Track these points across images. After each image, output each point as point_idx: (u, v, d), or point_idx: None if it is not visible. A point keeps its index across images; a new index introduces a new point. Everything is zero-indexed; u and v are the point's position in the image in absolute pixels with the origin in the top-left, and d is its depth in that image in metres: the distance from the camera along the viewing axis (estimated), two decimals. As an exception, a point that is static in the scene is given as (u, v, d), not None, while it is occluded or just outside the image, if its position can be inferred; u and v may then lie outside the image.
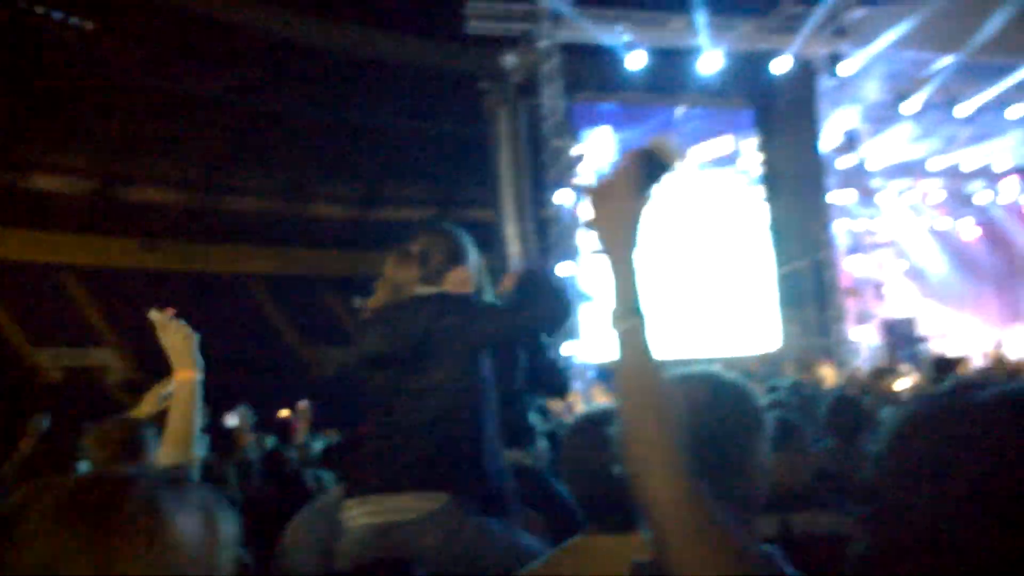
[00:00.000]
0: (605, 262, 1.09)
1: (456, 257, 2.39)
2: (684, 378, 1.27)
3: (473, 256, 2.44)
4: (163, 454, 2.03)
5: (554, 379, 3.15)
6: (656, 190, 1.12)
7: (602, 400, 9.60)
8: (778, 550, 1.13)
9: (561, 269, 11.16)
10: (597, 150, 12.17)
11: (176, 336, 2.10)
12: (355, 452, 2.87)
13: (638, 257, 1.09)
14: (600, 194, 1.10)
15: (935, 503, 0.74)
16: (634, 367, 1.03)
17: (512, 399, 2.64)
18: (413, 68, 12.98)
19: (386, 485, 2.15)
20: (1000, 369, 9.34)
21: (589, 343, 11.15)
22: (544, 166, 11.60)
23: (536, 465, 2.81)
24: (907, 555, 0.76)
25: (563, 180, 11.45)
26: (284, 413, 7.68)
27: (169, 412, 2.08)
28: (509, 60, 11.84)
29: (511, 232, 11.98)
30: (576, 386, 10.90)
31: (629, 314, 1.05)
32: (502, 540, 2.12)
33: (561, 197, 11.40)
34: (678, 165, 1.10)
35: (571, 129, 11.71)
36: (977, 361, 10.50)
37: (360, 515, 2.16)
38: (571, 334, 11.09)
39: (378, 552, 2.05)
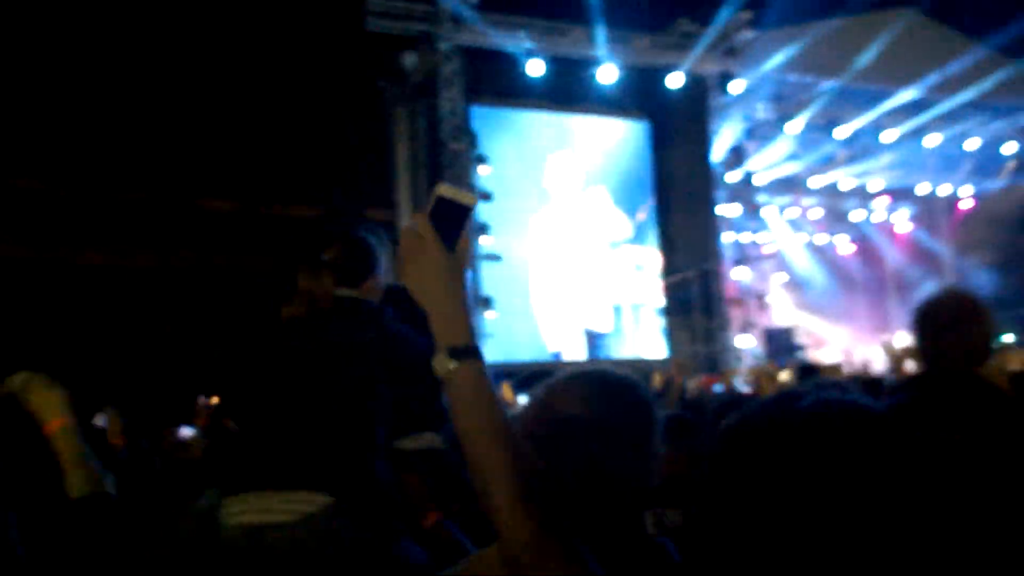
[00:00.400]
0: (430, 315, 1.07)
1: (370, 267, 2.39)
2: (577, 375, 1.29)
3: (384, 260, 2.45)
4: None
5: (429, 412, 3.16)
6: (463, 234, 1.10)
7: (507, 397, 9.66)
8: (670, 542, 1.17)
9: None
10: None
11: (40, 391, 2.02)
12: (237, 449, 2.81)
13: (463, 302, 1.07)
14: (406, 257, 1.08)
15: (739, 513, 0.76)
16: (471, 408, 1.03)
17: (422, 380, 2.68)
18: (312, 63, 12.64)
19: (266, 483, 2.10)
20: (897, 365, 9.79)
21: (488, 343, 11.17)
22: (441, 168, 11.54)
23: (448, 448, 2.83)
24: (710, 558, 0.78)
25: (460, 182, 11.43)
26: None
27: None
28: (408, 60, 11.74)
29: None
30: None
31: (460, 356, 1.03)
32: (380, 549, 2.09)
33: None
34: (472, 203, 1.09)
35: (470, 132, 11.69)
36: (848, 367, 11.14)
37: (235, 513, 2.10)
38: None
39: (247, 553, 1.99)
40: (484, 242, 11.45)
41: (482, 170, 11.54)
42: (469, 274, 1.12)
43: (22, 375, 2.04)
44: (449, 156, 11.50)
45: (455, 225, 1.08)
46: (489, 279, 11.58)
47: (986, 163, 16.27)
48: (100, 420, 5.16)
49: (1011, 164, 16.25)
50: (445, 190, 1.08)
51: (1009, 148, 15.58)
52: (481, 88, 12.29)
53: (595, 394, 1.23)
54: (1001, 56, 14.29)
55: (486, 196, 11.57)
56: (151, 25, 12.29)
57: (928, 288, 17.59)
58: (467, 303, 1.08)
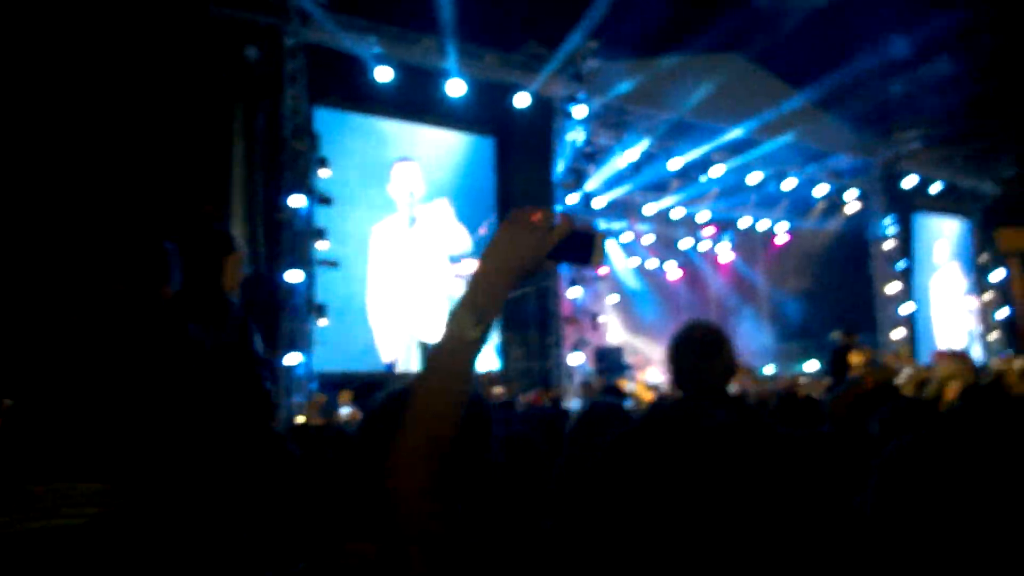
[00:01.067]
0: (485, 276, 1.08)
1: (159, 273, 2.32)
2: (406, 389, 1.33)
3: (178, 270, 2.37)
4: None
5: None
6: (552, 263, 1.12)
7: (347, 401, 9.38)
8: None
9: (291, 276, 10.78)
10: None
11: None
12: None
13: (511, 289, 1.10)
14: (522, 223, 1.09)
15: None
16: (458, 371, 1.06)
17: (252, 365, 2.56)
18: (152, 49, 11.84)
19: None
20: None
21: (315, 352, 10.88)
22: (282, 167, 11.14)
23: (279, 430, 2.72)
24: None
25: (300, 184, 11.08)
26: None
27: None
28: (252, 52, 11.25)
29: (238, 233, 11.32)
30: (297, 397, 10.56)
31: (481, 326, 1.06)
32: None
33: (296, 201, 11.01)
34: (595, 265, 1.11)
35: (312, 133, 11.36)
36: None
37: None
38: (296, 343, 10.74)
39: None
40: (320, 247, 11.14)
41: (323, 173, 11.23)
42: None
43: None
44: (289, 155, 11.12)
45: (568, 252, 1.10)
46: (325, 285, 11.28)
47: (800, 203, 17.76)
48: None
49: (821, 205, 17.82)
50: (599, 237, 1.12)
51: (820, 190, 17.09)
52: (327, 89, 11.98)
53: None
54: (815, 107, 15.69)
55: (326, 200, 11.28)
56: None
57: (746, 314, 18.98)
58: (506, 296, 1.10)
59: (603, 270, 15.68)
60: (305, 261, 11.06)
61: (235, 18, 10.86)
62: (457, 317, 1.06)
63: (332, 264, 11.36)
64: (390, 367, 11.93)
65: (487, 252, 1.10)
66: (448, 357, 1.07)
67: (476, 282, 1.08)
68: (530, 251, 1.08)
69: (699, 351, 2.30)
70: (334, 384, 10.29)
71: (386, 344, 12.07)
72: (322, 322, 10.97)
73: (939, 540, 1.13)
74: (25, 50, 11.52)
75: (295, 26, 10.94)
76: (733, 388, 2.79)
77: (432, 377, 1.06)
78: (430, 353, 1.10)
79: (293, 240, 10.97)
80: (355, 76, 11.79)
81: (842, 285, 17.43)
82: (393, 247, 12.32)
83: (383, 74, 11.49)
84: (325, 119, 11.83)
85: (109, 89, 11.64)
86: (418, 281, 12.46)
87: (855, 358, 6.03)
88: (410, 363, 12.16)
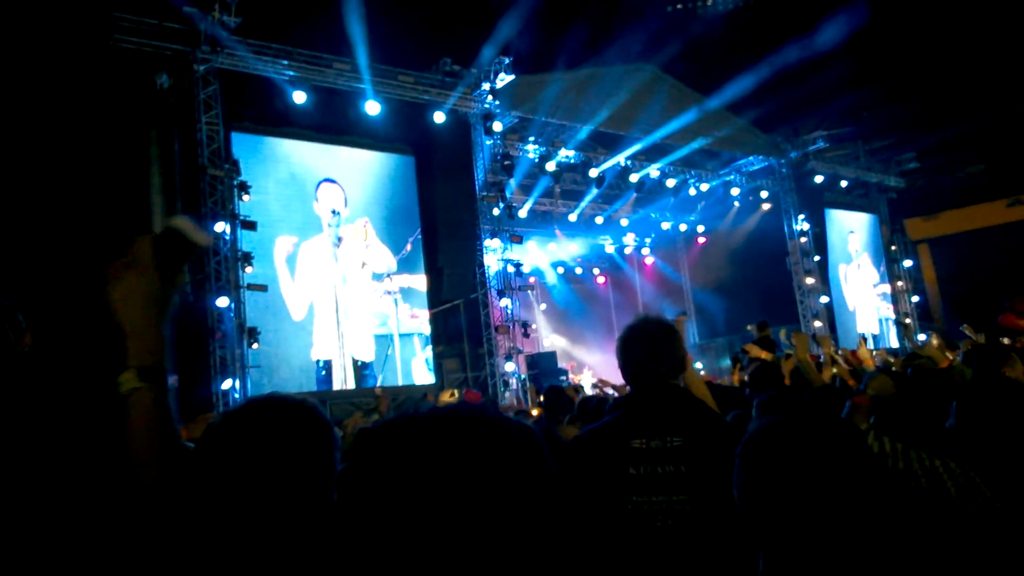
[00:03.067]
0: (127, 333, 1.11)
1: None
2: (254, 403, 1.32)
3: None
4: None
5: None
6: (181, 267, 1.15)
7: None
8: None
9: (219, 302, 10.74)
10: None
11: None
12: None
13: (160, 327, 1.12)
14: (118, 272, 1.12)
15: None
16: (149, 424, 1.09)
17: None
18: (60, 81, 11.67)
19: None
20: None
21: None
22: (202, 194, 11.10)
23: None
24: None
25: (221, 210, 11.06)
26: None
27: None
28: (162, 79, 11.21)
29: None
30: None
31: (148, 377, 1.09)
32: None
33: (220, 227, 10.99)
34: (203, 244, 1.15)
35: (231, 158, 11.36)
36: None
37: None
38: (229, 369, 10.70)
39: None
40: (248, 271, 11.13)
41: (245, 198, 11.23)
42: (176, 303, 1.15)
43: None
44: (208, 182, 11.10)
45: (179, 257, 1.13)
46: (255, 309, 11.26)
47: (717, 204, 18.41)
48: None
49: (736, 205, 18.51)
50: (181, 223, 1.13)
51: (735, 191, 17.76)
52: (243, 114, 12.00)
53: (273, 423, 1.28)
54: (727, 111, 16.33)
55: (249, 225, 11.28)
56: None
57: (671, 314, 19.48)
58: (165, 330, 1.13)
59: (531, 279, 15.98)
60: (233, 286, 11.04)
61: (143, 47, 10.82)
62: (122, 380, 1.10)
63: (261, 288, 11.34)
64: (325, 387, 11.96)
65: (118, 314, 1.12)
66: (134, 417, 1.10)
67: (129, 342, 1.11)
68: (142, 282, 1.12)
69: (648, 345, 2.28)
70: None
71: (318, 363, 12.10)
72: (256, 346, 10.96)
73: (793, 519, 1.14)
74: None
75: (205, 52, 10.95)
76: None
77: (132, 437, 1.10)
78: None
79: (219, 266, 10.95)
80: (271, 100, 11.85)
81: (763, 281, 18.08)
82: (319, 267, 12.37)
83: (299, 97, 11.58)
84: (244, 143, 11.83)
85: (20, 126, 11.43)
86: (345, 300, 12.53)
87: (753, 351, 6.34)
88: (345, 381, 12.22)
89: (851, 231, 19.91)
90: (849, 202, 19.97)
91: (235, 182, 11.27)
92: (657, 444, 2.12)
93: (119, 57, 11.24)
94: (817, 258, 18.12)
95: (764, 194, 18.03)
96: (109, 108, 12.49)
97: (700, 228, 19.04)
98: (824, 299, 17.91)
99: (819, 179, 18.06)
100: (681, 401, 2.25)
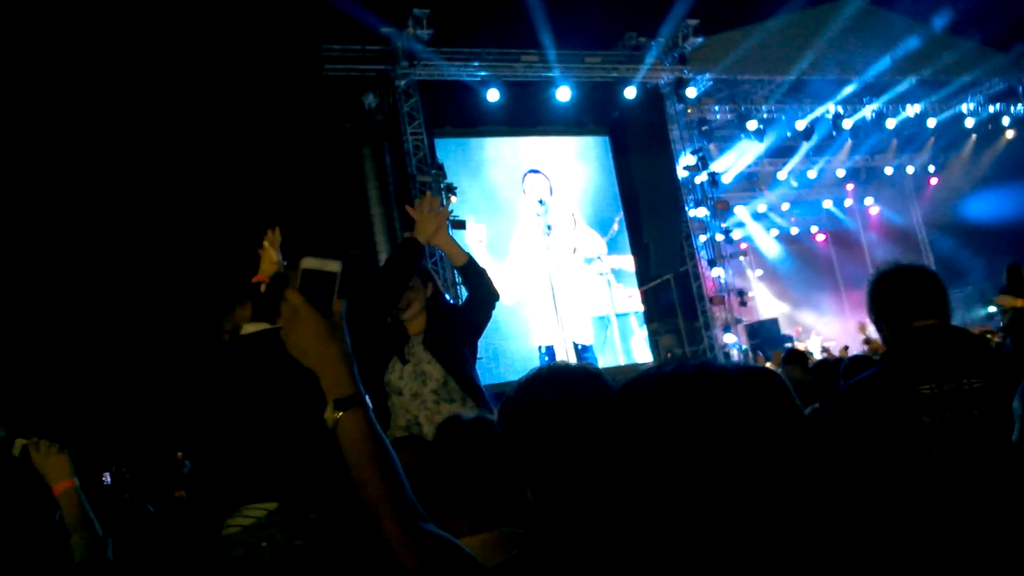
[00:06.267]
0: (318, 374, 1.21)
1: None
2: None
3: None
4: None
5: None
6: (335, 298, 1.23)
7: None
8: None
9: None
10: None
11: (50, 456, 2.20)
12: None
13: (343, 357, 1.20)
14: (287, 328, 1.22)
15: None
16: (359, 448, 1.17)
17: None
18: (277, 114, 12.93)
19: (244, 495, 2.30)
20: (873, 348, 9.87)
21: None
22: (414, 200, 11.78)
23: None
24: None
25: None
26: None
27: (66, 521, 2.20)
28: (369, 100, 12.03)
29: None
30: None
31: (345, 406, 1.18)
32: (315, 558, 2.22)
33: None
34: (336, 270, 1.22)
35: (436, 164, 11.96)
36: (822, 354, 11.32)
37: (224, 527, 2.31)
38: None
39: (222, 563, 2.19)
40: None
41: (453, 199, 11.78)
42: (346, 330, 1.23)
43: (34, 439, 2.25)
44: (419, 189, 11.75)
45: (326, 291, 1.21)
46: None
47: (947, 139, 16.57)
48: (106, 477, 5.36)
49: (973, 137, 16.56)
50: (308, 263, 1.21)
51: (969, 122, 15.91)
52: (443, 119, 12.58)
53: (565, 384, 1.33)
54: (950, 35, 14.64)
55: (459, 225, 11.81)
56: (132, 91, 12.53)
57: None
58: (348, 357, 1.21)
59: (743, 245, 15.33)
60: (450, 284, 11.64)
61: (350, 72, 11.67)
62: (326, 416, 1.17)
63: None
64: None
65: (299, 359, 1.21)
66: (347, 445, 1.17)
67: (321, 379, 1.19)
68: (309, 325, 1.19)
69: (921, 284, 2.06)
70: (495, 396, 10.70)
71: (540, 350, 12.42)
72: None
73: None
74: (178, 129, 12.85)
75: (404, 68, 11.57)
76: None
77: (351, 463, 1.17)
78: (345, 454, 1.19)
79: (435, 266, 11.58)
80: (467, 102, 12.32)
81: (1013, 218, 16.03)
82: (531, 256, 12.68)
83: (492, 95, 11.93)
84: (446, 147, 12.42)
85: (250, 159, 12.79)
86: (560, 285, 12.75)
87: (1007, 302, 5.53)
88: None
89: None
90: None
91: (442, 185, 11.85)
92: (951, 387, 1.93)
93: (329, 85, 12.22)
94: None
95: (1006, 120, 15.97)
96: (325, 134, 13.63)
97: (931, 168, 17.24)
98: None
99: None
100: (970, 340, 2.03)
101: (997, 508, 1.82)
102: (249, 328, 2.48)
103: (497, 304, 3.22)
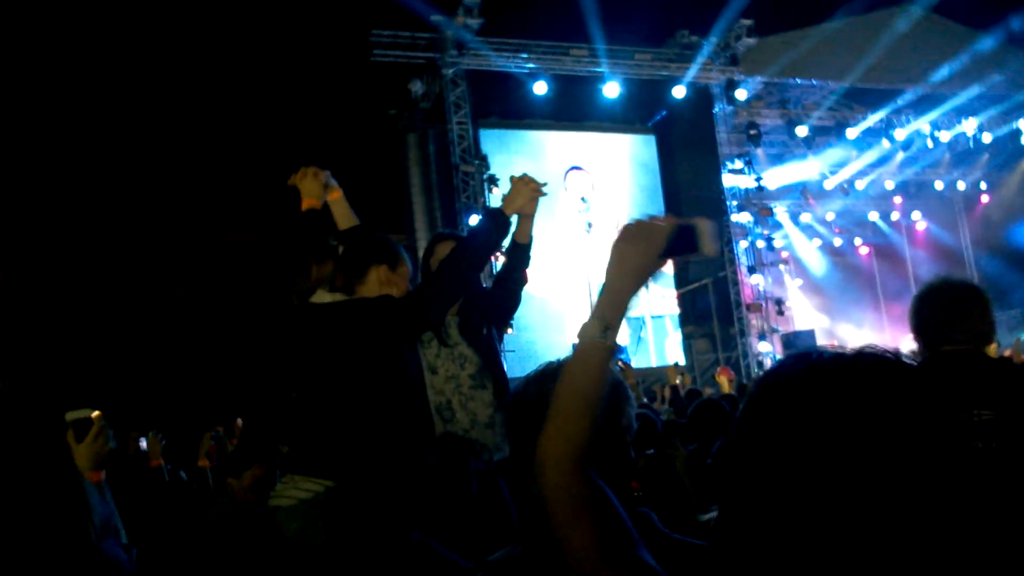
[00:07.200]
0: (608, 287, 1.18)
1: (370, 256, 2.48)
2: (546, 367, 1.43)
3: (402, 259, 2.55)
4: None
5: None
6: (670, 261, 1.21)
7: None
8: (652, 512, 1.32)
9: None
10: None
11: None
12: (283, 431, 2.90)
13: (636, 295, 1.17)
14: (630, 234, 1.18)
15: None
16: (590, 375, 1.13)
17: None
18: (324, 96, 12.98)
19: (296, 467, 2.24)
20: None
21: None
22: (456, 190, 11.75)
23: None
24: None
25: (474, 204, 11.63)
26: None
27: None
28: (416, 87, 12.01)
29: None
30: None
31: (607, 332, 1.13)
32: (370, 538, 2.15)
33: (473, 220, 11.57)
34: (708, 254, 1.18)
35: (480, 154, 11.90)
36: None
37: (272, 495, 2.27)
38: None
39: (270, 533, 2.14)
40: (501, 261, 11.59)
41: (495, 191, 11.72)
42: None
43: (85, 411, 2.15)
44: (461, 179, 11.71)
45: (682, 247, 1.17)
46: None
47: (1002, 155, 16.14)
48: (142, 443, 5.36)
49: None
50: (703, 224, 1.17)
51: (1025, 139, 15.48)
52: (488, 110, 12.52)
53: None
54: (1010, 47, 14.25)
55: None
56: (175, 74, 12.67)
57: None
58: (632, 302, 1.18)
59: (783, 254, 15.08)
60: (487, 276, 11.59)
61: (398, 59, 11.66)
62: (587, 327, 1.14)
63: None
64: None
65: (609, 268, 1.18)
66: (580, 363, 1.13)
67: (602, 296, 1.17)
68: (643, 257, 1.16)
69: (956, 305, 2.03)
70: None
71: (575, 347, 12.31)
72: (509, 331, 11.39)
73: None
74: (229, 107, 12.96)
75: (452, 56, 11.53)
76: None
77: (568, 381, 1.12)
78: (567, 361, 1.17)
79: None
80: (513, 93, 12.25)
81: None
82: (573, 255, 12.57)
83: (540, 88, 11.83)
84: (491, 138, 12.36)
85: (295, 140, 12.86)
86: (598, 285, 12.63)
87: None
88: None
89: None
90: None
91: (484, 176, 11.80)
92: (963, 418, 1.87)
93: (377, 71, 12.23)
94: None
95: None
96: (371, 119, 13.65)
97: (983, 185, 16.80)
98: None
99: None
100: (991, 368, 1.98)
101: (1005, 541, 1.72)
102: (324, 297, 2.40)
103: (533, 300, 3.16)
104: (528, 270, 3.03)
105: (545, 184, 2.80)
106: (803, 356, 0.81)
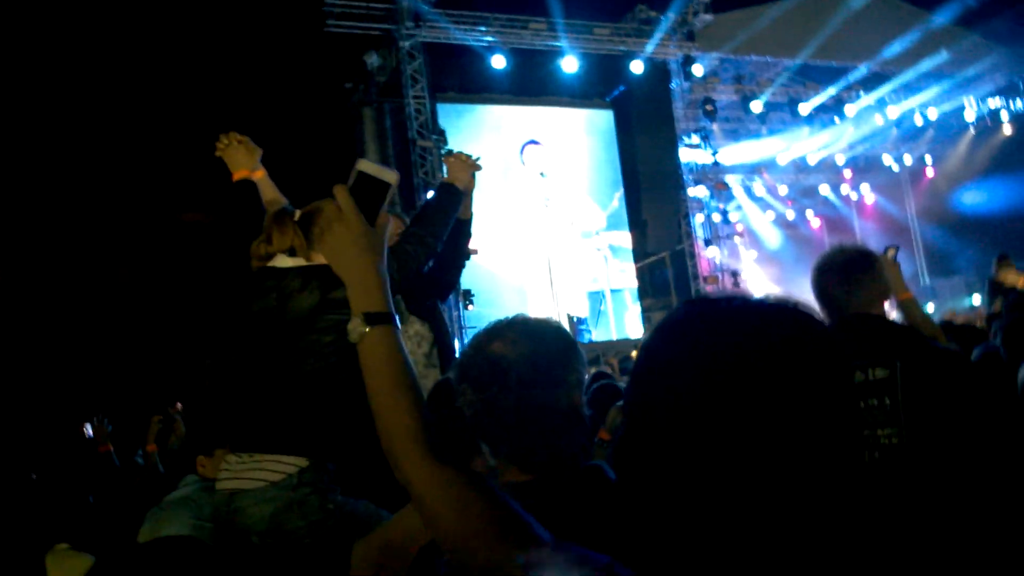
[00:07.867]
0: (347, 284, 1.12)
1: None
2: (502, 322, 1.39)
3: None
4: None
5: None
6: (382, 209, 1.14)
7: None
8: (605, 464, 1.35)
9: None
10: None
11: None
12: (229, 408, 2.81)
13: (378, 271, 1.11)
14: (325, 227, 1.13)
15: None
16: (382, 367, 1.08)
17: None
18: (276, 68, 12.65)
19: (251, 445, 2.13)
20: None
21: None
22: (413, 165, 11.62)
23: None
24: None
25: (432, 179, 11.53)
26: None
27: None
28: (371, 60, 11.79)
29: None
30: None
31: (374, 321, 1.08)
32: (348, 518, 2.09)
33: (431, 196, 11.48)
34: (392, 181, 1.13)
35: (438, 129, 11.77)
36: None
37: (221, 478, 2.14)
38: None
39: (226, 518, 2.06)
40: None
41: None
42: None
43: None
44: (419, 154, 11.59)
45: (376, 200, 1.12)
46: (467, 273, 11.66)
47: (946, 132, 16.58)
48: (87, 429, 5.22)
49: (971, 131, 16.57)
50: (366, 166, 1.11)
51: (969, 116, 15.90)
52: (446, 84, 12.37)
53: (520, 336, 1.33)
54: (956, 27, 14.57)
55: (457, 191, 11.67)
56: (120, 48, 12.23)
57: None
58: (383, 273, 1.12)
59: (738, 227, 15.28)
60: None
61: (353, 30, 11.41)
62: (352, 330, 1.08)
63: (472, 252, 11.72)
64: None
65: (335, 268, 1.12)
66: (368, 362, 1.08)
67: (349, 292, 1.11)
68: (351, 233, 1.10)
69: (843, 273, 2.18)
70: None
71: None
72: (471, 308, 11.38)
73: None
74: (176, 78, 12.57)
75: (409, 28, 11.34)
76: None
77: (369, 382, 1.08)
78: (360, 362, 1.10)
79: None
80: (472, 67, 12.11)
81: (1006, 213, 16.11)
82: (527, 228, 12.57)
83: (498, 62, 11.73)
84: (449, 113, 12.22)
85: (245, 112, 12.55)
86: (557, 258, 12.67)
87: (1009, 277, 5.56)
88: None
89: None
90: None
91: (443, 151, 11.67)
92: (859, 378, 2.00)
93: (331, 42, 11.96)
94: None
95: (1005, 115, 15.97)
96: (325, 92, 13.37)
97: (928, 159, 17.26)
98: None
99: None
100: (883, 330, 2.11)
101: (903, 490, 1.87)
102: (286, 262, 2.28)
103: (493, 275, 3.18)
104: (470, 245, 3.06)
105: (479, 158, 2.78)
106: (694, 302, 0.80)
